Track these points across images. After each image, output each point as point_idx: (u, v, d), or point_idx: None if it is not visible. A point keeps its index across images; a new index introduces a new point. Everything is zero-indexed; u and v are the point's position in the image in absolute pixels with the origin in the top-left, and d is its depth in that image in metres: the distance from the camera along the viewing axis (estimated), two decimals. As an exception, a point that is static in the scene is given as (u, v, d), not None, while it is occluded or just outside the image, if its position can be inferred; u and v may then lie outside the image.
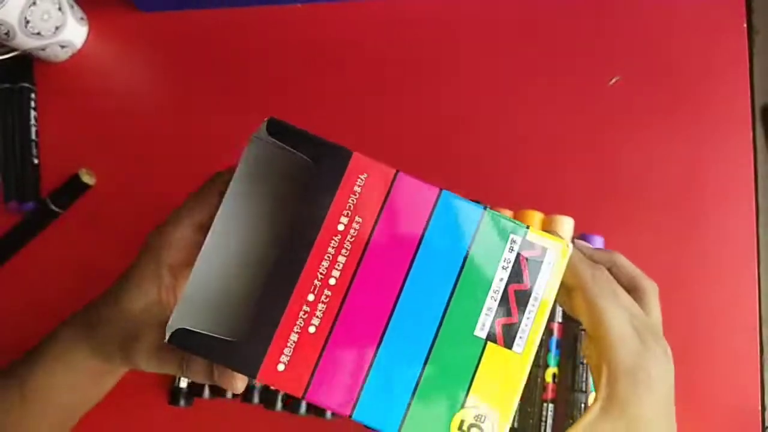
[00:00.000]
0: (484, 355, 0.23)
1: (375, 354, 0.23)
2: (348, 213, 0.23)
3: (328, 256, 0.23)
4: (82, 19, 0.53)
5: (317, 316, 0.23)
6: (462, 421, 0.23)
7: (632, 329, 0.26)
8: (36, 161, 0.51)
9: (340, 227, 0.23)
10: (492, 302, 0.23)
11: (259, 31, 0.52)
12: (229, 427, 0.43)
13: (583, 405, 0.38)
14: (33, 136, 0.51)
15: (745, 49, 0.45)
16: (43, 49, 0.51)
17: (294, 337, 0.23)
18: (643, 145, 0.45)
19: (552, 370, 0.39)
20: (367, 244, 0.23)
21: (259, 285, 0.24)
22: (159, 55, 0.53)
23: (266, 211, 0.27)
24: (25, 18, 0.47)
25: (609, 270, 0.29)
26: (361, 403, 0.23)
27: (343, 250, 0.23)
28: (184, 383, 0.42)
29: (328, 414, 0.41)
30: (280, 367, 0.23)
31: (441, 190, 0.24)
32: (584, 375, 0.38)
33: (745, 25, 0.45)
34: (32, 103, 0.52)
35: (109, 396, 0.44)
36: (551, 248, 0.24)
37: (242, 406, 0.42)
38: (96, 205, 0.50)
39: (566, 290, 0.28)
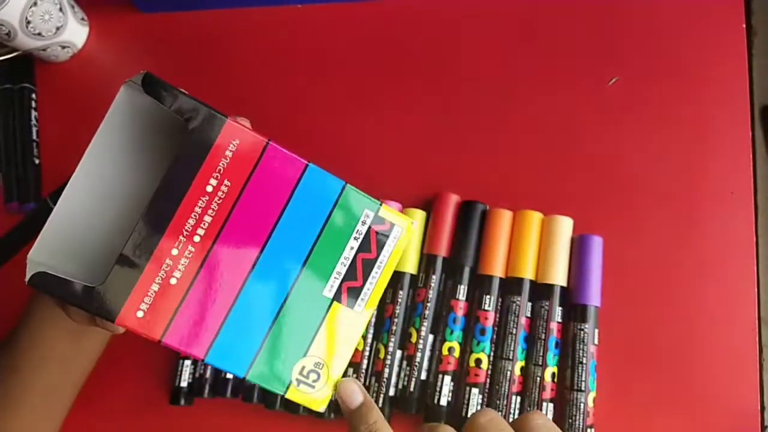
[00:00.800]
0: (329, 312, 0.26)
1: (232, 306, 0.25)
2: (217, 176, 0.25)
3: (195, 215, 0.24)
4: (82, 19, 0.53)
5: (179, 269, 0.24)
6: (303, 367, 0.25)
7: None
8: (37, 161, 0.51)
9: (209, 188, 0.25)
10: (342, 267, 0.26)
11: (259, 31, 0.52)
12: (229, 427, 0.43)
13: (582, 405, 0.38)
14: (34, 137, 0.52)
15: (744, 50, 0.45)
16: (43, 50, 0.51)
17: (155, 287, 0.24)
18: (643, 145, 0.45)
19: (551, 369, 0.39)
20: (233, 206, 0.25)
21: (122, 234, 0.25)
22: (159, 56, 0.53)
23: (134, 159, 0.28)
24: (26, 18, 0.47)
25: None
26: (214, 349, 0.25)
27: (210, 210, 0.25)
28: (184, 383, 0.43)
29: (328, 414, 0.41)
30: (139, 314, 0.24)
31: (308, 163, 0.26)
32: (584, 375, 0.38)
33: (744, 26, 0.46)
34: (33, 104, 0.52)
35: (110, 395, 0.44)
36: (398, 225, 0.27)
37: (242, 406, 0.42)
38: (97, 206, 0.50)
39: None
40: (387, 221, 0.27)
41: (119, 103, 0.26)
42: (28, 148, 0.51)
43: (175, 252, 0.24)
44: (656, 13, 0.47)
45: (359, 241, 0.26)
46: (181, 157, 0.24)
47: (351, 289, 0.26)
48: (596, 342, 0.40)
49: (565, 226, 0.41)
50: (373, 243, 0.27)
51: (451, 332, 0.40)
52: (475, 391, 0.39)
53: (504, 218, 0.42)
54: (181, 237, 0.24)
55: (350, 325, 0.26)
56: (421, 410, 0.40)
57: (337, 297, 0.26)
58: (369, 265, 0.27)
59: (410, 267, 0.42)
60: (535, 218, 0.42)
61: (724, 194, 0.43)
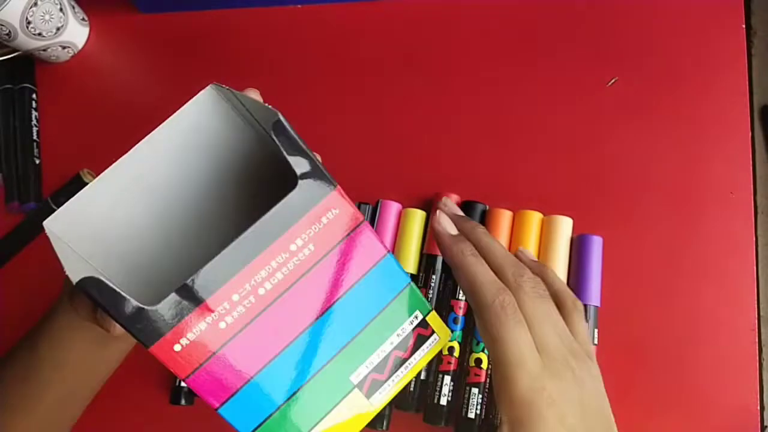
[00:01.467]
0: (347, 396, 0.26)
1: (263, 367, 0.24)
2: (305, 238, 0.24)
3: (269, 268, 0.23)
4: (83, 20, 0.53)
5: (233, 316, 0.23)
6: None
7: (531, 353, 0.28)
8: (37, 162, 0.51)
9: (293, 247, 0.24)
10: (376, 358, 0.26)
11: (259, 32, 0.52)
12: (229, 427, 0.43)
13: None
14: (34, 137, 0.52)
15: (744, 50, 0.45)
16: (44, 50, 0.51)
17: (203, 326, 0.23)
18: (642, 145, 0.45)
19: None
20: (308, 270, 0.24)
21: (185, 260, 0.24)
22: (160, 56, 0.53)
23: (192, 165, 0.27)
24: (27, 19, 0.47)
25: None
26: (231, 403, 0.25)
27: (284, 269, 0.24)
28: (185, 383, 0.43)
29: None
30: (177, 348, 0.23)
31: (389, 251, 0.26)
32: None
33: (744, 26, 0.46)
34: (33, 104, 0.53)
35: (111, 394, 0.44)
36: (437, 334, 0.28)
37: (243, 406, 0.42)
38: (97, 206, 0.50)
39: (476, 312, 0.30)
40: (430, 327, 0.27)
41: (198, 102, 0.25)
42: (28, 148, 0.51)
43: (236, 297, 0.23)
44: (656, 13, 0.47)
45: (400, 338, 0.27)
46: (274, 206, 0.23)
47: (375, 381, 0.27)
48: (596, 342, 0.40)
49: (564, 226, 0.42)
50: (411, 343, 0.27)
51: (451, 332, 0.40)
52: (475, 390, 0.39)
53: (504, 218, 0.42)
54: (247, 285, 0.23)
55: (360, 414, 0.26)
56: (421, 410, 0.40)
57: (360, 384, 0.26)
58: (399, 363, 0.27)
59: (410, 267, 0.42)
60: (535, 218, 0.42)
61: (724, 194, 0.43)
